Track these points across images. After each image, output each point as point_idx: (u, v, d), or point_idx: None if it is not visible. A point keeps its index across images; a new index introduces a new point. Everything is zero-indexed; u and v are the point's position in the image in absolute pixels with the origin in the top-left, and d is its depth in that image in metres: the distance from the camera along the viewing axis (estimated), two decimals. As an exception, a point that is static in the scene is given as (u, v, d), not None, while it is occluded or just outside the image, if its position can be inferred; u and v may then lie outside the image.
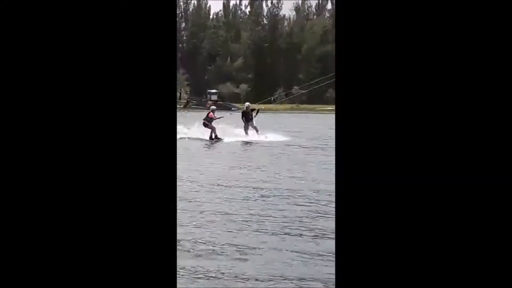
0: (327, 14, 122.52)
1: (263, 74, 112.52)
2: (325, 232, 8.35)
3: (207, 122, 26.54)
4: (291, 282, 6.27)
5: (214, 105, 30.97)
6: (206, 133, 26.58)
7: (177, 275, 4.24)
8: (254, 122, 27.12)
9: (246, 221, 9.17)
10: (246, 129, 27.03)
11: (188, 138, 25.58)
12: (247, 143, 25.16)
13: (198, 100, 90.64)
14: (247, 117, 27.24)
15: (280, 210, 10.03)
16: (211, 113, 26.87)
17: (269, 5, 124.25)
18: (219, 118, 26.91)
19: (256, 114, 27.45)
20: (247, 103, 28.87)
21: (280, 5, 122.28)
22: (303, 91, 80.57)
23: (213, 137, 26.15)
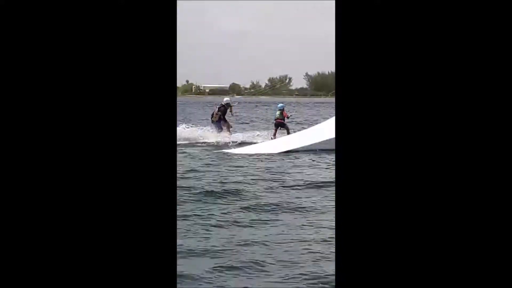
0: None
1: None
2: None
3: (284, 122, 20.86)
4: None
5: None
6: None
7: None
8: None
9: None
10: (219, 130, 20.96)
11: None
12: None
13: None
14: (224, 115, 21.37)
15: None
16: (283, 110, 21.30)
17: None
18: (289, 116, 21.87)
19: (231, 111, 21.77)
20: (226, 98, 22.38)
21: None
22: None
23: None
